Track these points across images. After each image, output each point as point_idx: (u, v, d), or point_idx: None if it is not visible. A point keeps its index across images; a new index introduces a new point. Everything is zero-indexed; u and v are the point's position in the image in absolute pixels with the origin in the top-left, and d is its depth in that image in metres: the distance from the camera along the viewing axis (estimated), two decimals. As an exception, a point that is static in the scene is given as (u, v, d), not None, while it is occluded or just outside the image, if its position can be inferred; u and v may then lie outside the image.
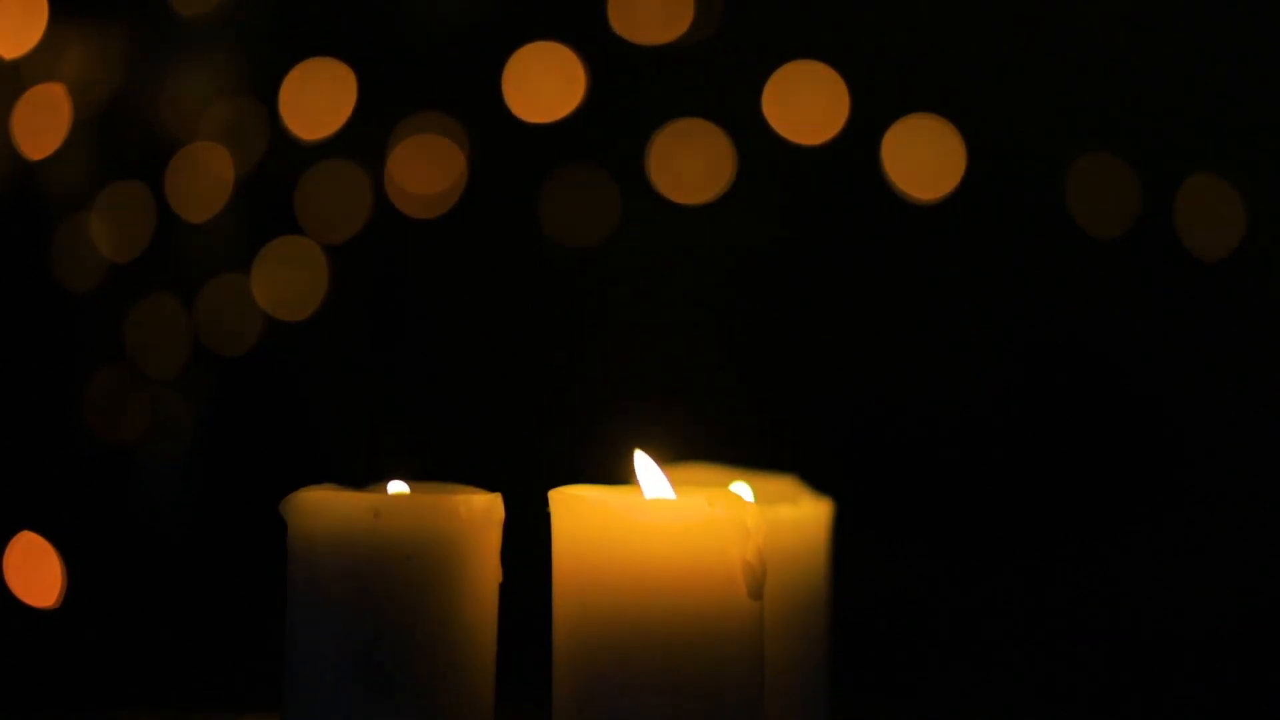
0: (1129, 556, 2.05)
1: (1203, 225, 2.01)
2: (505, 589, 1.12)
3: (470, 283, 2.13)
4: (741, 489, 1.23)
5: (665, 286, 2.11)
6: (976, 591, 2.05)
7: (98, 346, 2.06)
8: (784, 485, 1.30)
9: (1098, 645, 2.03)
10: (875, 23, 2.08)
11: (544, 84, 2.07)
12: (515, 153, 2.09)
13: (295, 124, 2.08)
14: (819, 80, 2.05)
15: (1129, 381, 2.07)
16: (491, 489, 1.13)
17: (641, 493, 1.10)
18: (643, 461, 1.11)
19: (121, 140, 2.06)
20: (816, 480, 1.32)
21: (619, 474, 1.18)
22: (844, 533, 1.31)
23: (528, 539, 1.15)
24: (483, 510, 1.11)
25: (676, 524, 1.05)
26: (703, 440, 1.69)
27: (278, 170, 2.08)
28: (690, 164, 2.07)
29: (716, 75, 2.08)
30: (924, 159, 2.03)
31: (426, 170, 2.09)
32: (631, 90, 2.09)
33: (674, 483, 1.11)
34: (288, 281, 2.09)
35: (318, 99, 2.08)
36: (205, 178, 2.07)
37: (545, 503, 1.09)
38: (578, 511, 1.07)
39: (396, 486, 1.13)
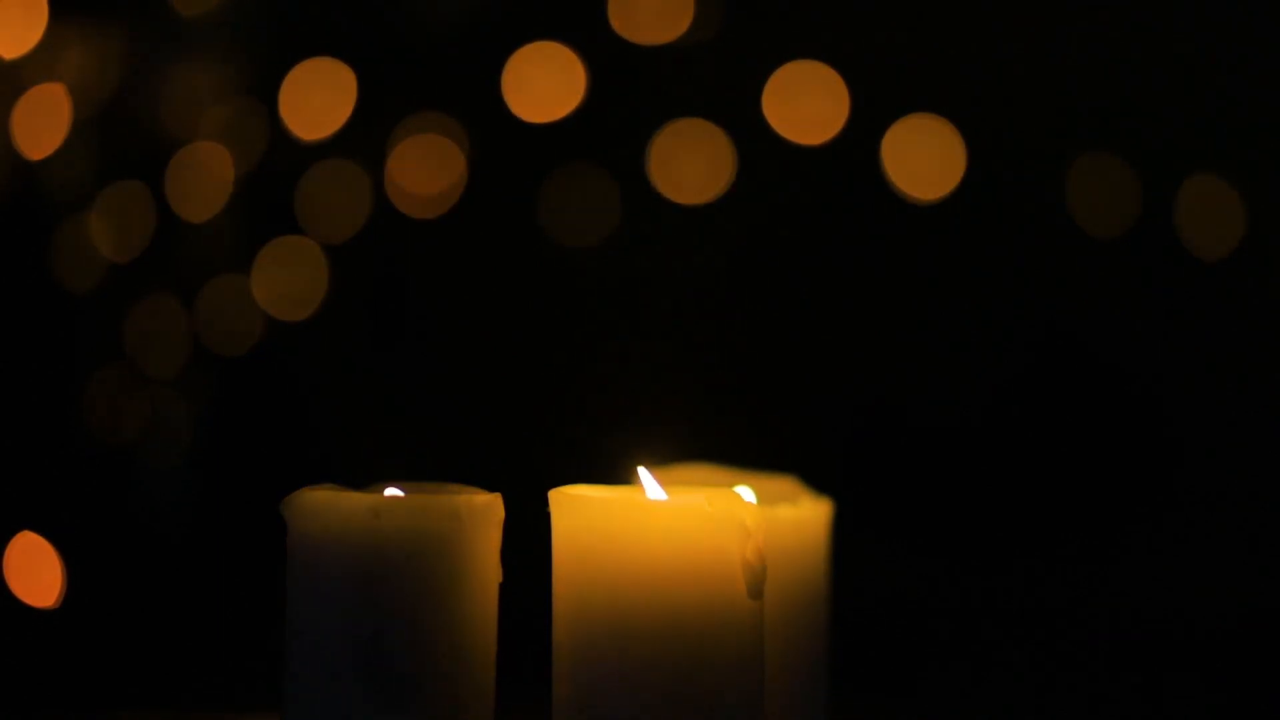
0: (1129, 556, 2.05)
1: (1203, 225, 2.01)
2: (505, 589, 1.12)
3: (470, 283, 2.13)
4: (741, 489, 1.23)
5: (665, 286, 2.11)
6: (976, 591, 2.05)
7: (98, 346, 2.06)
8: (784, 485, 1.30)
9: (1098, 645, 2.03)
10: (875, 23, 2.08)
11: (544, 84, 2.07)
12: (515, 153, 2.09)
13: (295, 124, 2.08)
14: (819, 80, 2.05)
15: (1129, 381, 2.07)
16: (491, 489, 1.13)
17: (642, 492, 1.10)
18: (646, 478, 1.11)
19: (121, 140, 2.06)
20: (816, 480, 1.32)
21: (619, 474, 1.18)
22: (844, 533, 1.31)
23: (528, 539, 1.15)
24: (483, 510, 1.11)
25: (676, 524, 1.05)
26: (702, 440, 1.69)
27: (278, 170, 2.08)
28: (690, 164, 2.07)
29: (716, 75, 2.08)
30: (924, 159, 2.03)
31: (426, 170, 2.09)
32: (631, 90, 2.09)
33: (674, 484, 1.11)
34: (288, 281, 2.09)
35: (318, 99, 2.08)
36: (205, 178, 2.07)
37: (545, 503, 1.09)
38: (578, 511, 1.07)
39: (395, 491, 1.13)
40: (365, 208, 2.09)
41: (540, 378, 2.11)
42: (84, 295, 2.05)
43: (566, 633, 1.07)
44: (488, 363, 2.12)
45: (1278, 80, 2.04)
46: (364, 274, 2.11)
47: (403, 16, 2.10)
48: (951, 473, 2.09)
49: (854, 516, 1.43)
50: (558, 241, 2.10)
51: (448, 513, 1.09)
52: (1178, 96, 2.04)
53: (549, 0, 2.11)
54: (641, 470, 1.12)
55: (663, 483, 1.11)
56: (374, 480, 1.15)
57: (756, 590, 1.06)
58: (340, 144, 2.08)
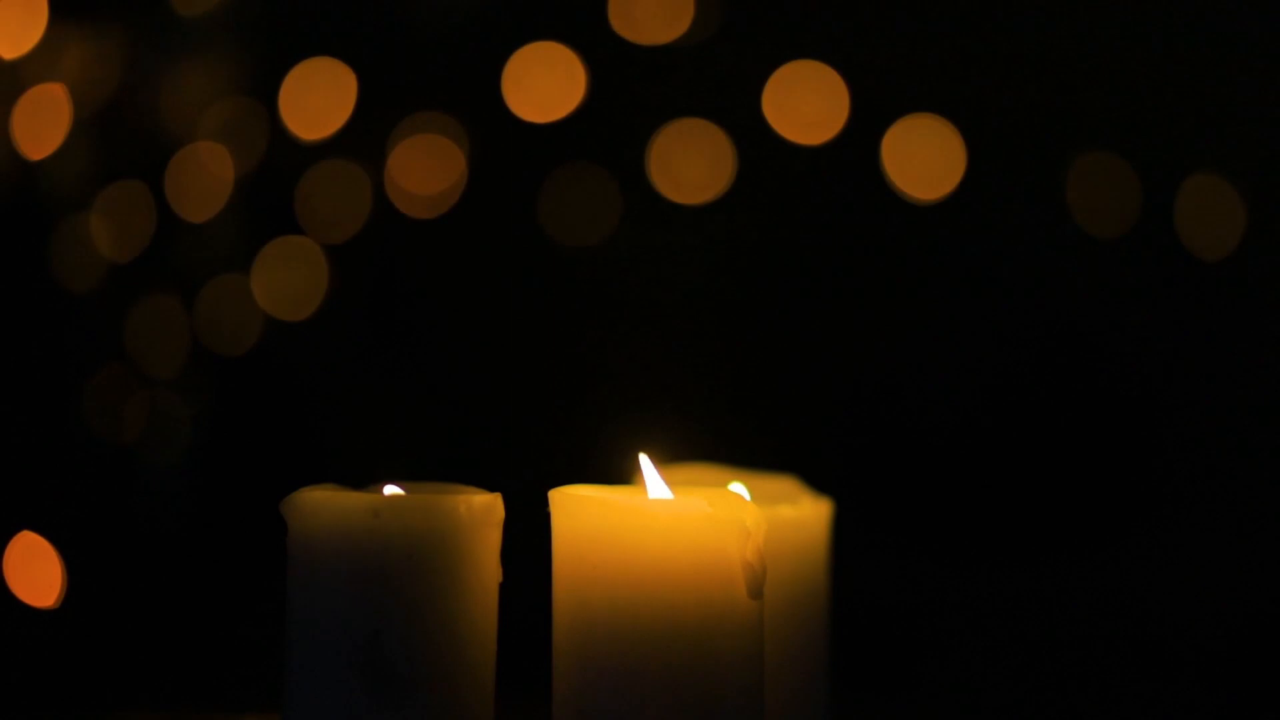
0: (1129, 556, 2.05)
1: (1203, 225, 2.01)
2: (505, 589, 1.12)
3: (470, 283, 2.13)
4: (736, 487, 1.23)
5: (665, 286, 2.11)
6: (977, 591, 2.05)
7: (98, 346, 2.06)
8: (784, 485, 1.30)
9: (1098, 645, 2.03)
10: (875, 23, 2.08)
11: (544, 84, 2.07)
12: (515, 153, 2.09)
13: (295, 124, 2.08)
14: (819, 80, 2.05)
15: (1129, 381, 2.07)
16: (491, 489, 1.13)
17: (642, 492, 1.11)
18: (647, 466, 1.11)
19: (121, 140, 2.06)
20: (816, 480, 1.32)
21: (619, 473, 1.18)
22: (844, 533, 1.31)
23: (528, 539, 1.15)
24: (483, 510, 1.11)
25: (676, 524, 1.05)
26: (702, 440, 1.69)
27: (278, 170, 2.08)
28: (690, 164, 2.07)
29: (716, 75, 2.08)
30: (924, 159, 2.03)
31: (426, 170, 2.09)
32: (631, 90, 2.09)
33: (674, 483, 1.11)
34: (288, 281, 2.09)
35: (318, 99, 2.08)
36: (205, 178, 2.07)
37: (545, 503, 1.09)
38: (578, 511, 1.07)
39: (395, 491, 1.13)
40: (365, 208, 2.09)
41: (540, 377, 2.11)
42: (84, 295, 2.05)
43: (566, 633, 1.07)
44: (487, 363, 2.12)
45: (1278, 80, 2.04)
46: (364, 274, 2.11)
47: (403, 16, 2.10)
48: (951, 473, 2.09)
49: (854, 516, 1.43)
50: (558, 241, 2.10)
51: (448, 513, 1.09)
52: (1178, 96, 2.04)
53: (549, 0, 2.11)
54: (643, 458, 1.12)
55: (664, 479, 1.11)
56: (374, 480, 1.15)
57: (756, 590, 1.06)
58: (340, 144, 2.08)
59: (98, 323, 2.06)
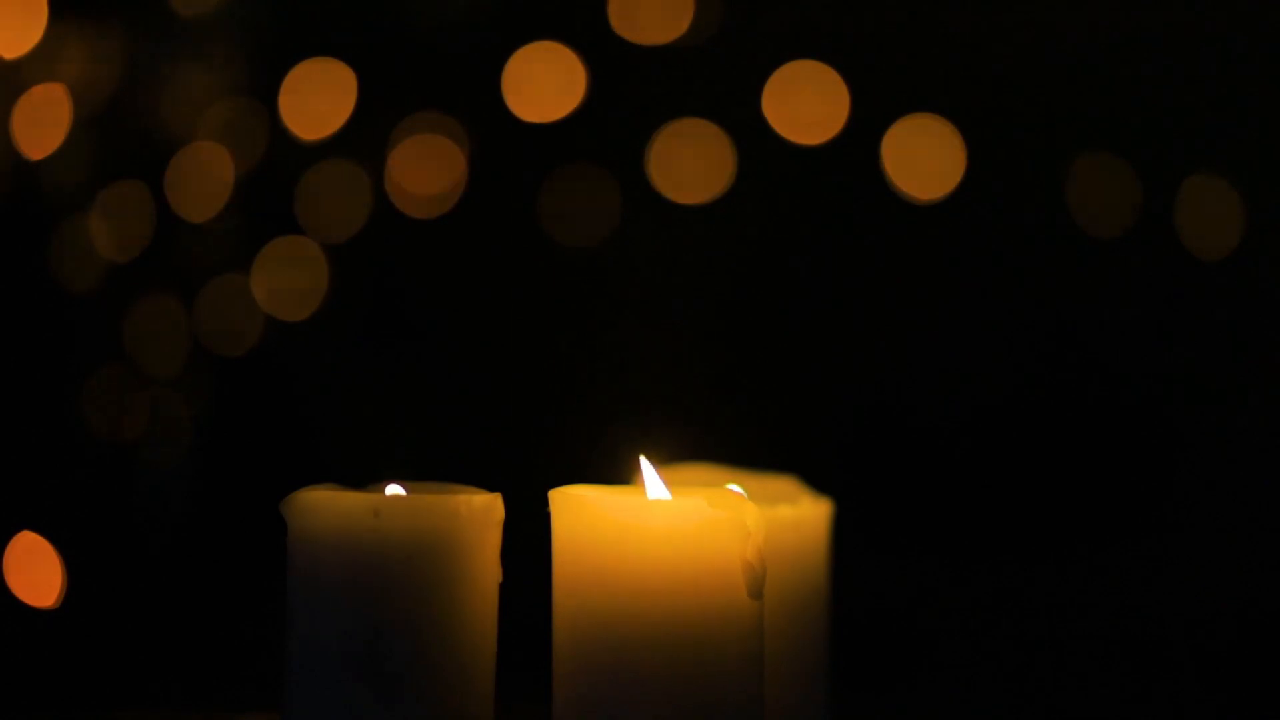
0: (1128, 556, 2.05)
1: (1203, 225, 2.01)
2: (505, 589, 1.12)
3: (470, 283, 2.13)
4: (731, 487, 1.23)
5: (665, 286, 2.11)
6: (977, 592, 2.05)
7: (98, 346, 2.06)
8: (784, 485, 1.30)
9: (1097, 645, 2.03)
10: (875, 23, 2.08)
11: (544, 84, 2.07)
12: (515, 153, 2.09)
13: (295, 124, 2.08)
14: (819, 80, 2.05)
15: (1129, 381, 2.07)
16: (491, 489, 1.13)
17: (642, 492, 1.11)
18: (647, 468, 1.11)
19: (121, 140, 2.06)
20: (816, 480, 1.32)
21: (619, 473, 1.18)
22: (844, 533, 1.31)
23: (528, 539, 1.15)
24: (483, 510, 1.11)
25: (676, 524, 1.05)
26: (702, 440, 1.69)
27: (278, 170, 2.08)
28: (690, 164, 2.07)
29: (716, 75, 2.08)
30: (924, 159, 2.03)
31: (426, 170, 2.09)
32: (631, 90, 2.09)
33: (674, 484, 1.11)
34: (288, 281, 2.09)
35: (318, 99, 2.08)
36: (205, 178, 2.07)
37: (545, 503, 1.09)
38: (578, 511, 1.07)
39: (395, 490, 1.13)
40: (365, 208, 2.09)
41: (540, 377, 2.11)
42: (84, 295, 2.05)
43: (566, 633, 1.07)
44: (488, 362, 2.12)
45: (1278, 80, 2.04)
46: (364, 274, 2.11)
47: (403, 16, 2.10)
48: (951, 473, 2.08)
49: (854, 516, 1.43)
50: (558, 241, 2.10)
51: (448, 513, 1.09)
52: (1178, 96, 2.04)
53: (549, 0, 2.11)
54: (643, 461, 1.12)
55: (663, 480, 1.11)
56: (374, 480, 1.15)
57: (756, 590, 1.06)
58: (340, 144, 2.08)
59: (98, 323, 2.06)
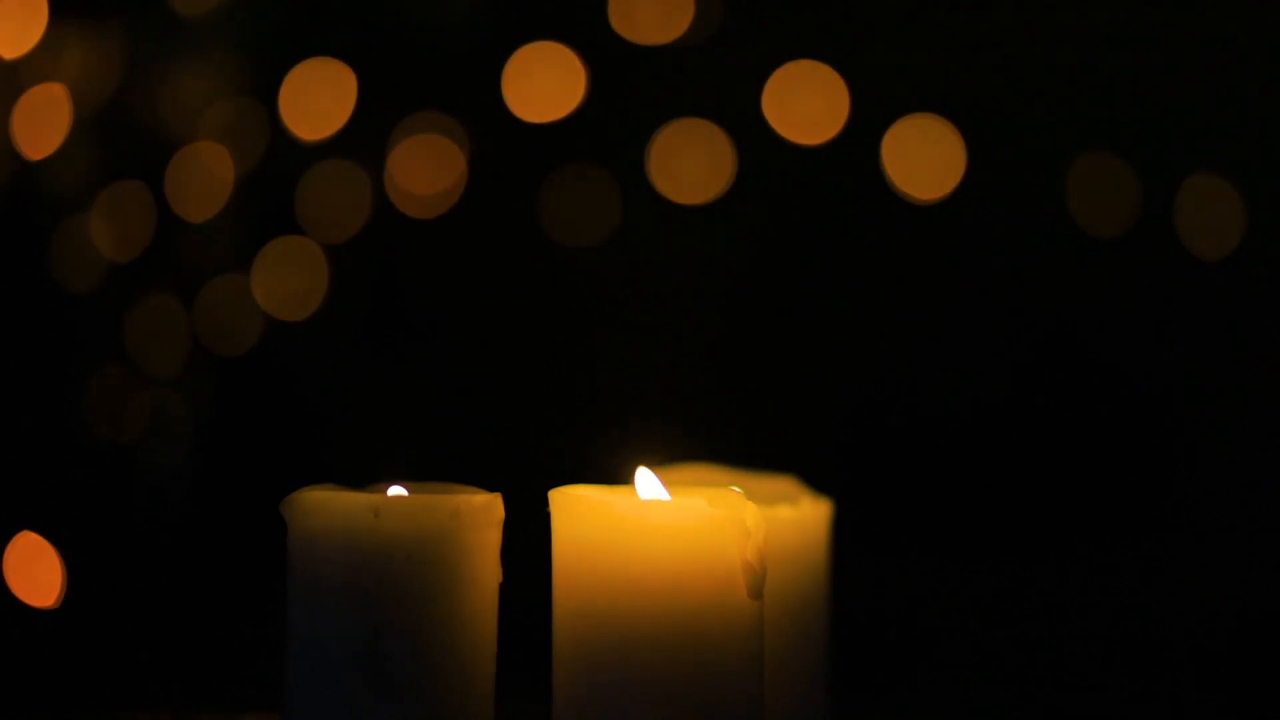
0: (1128, 555, 2.05)
1: (1203, 225, 2.01)
2: (505, 589, 1.12)
3: (470, 283, 2.13)
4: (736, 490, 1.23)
5: (665, 286, 2.11)
6: (977, 592, 2.05)
7: (98, 346, 2.06)
8: (784, 485, 1.30)
9: (1098, 644, 2.03)
10: (875, 23, 2.08)
11: (544, 84, 2.07)
12: (515, 153, 2.09)
13: (295, 124, 2.08)
14: (819, 80, 2.05)
15: (1129, 381, 2.07)
16: (491, 489, 1.13)
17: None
18: (648, 478, 1.11)
19: (121, 140, 2.06)
20: (816, 480, 1.32)
21: (619, 473, 1.18)
22: (844, 533, 1.31)
23: (528, 539, 1.15)
24: (483, 510, 1.11)
25: (676, 524, 1.05)
26: (702, 439, 1.69)
27: (278, 170, 2.08)
28: (690, 164, 2.07)
29: (716, 75, 2.08)
30: (924, 159, 2.03)
31: (426, 170, 2.09)
32: (631, 90, 2.09)
33: (673, 484, 1.11)
34: (288, 281, 2.09)
35: (318, 99, 2.08)
36: (205, 178, 2.07)
37: (545, 503, 1.09)
38: (578, 511, 1.07)
39: (396, 491, 1.13)
40: (365, 208, 2.09)
41: (540, 377, 2.11)
42: (84, 295, 2.05)
43: (567, 633, 1.07)
44: (488, 362, 2.12)
45: (1277, 80, 2.04)
46: (364, 274, 2.11)
47: (403, 16, 2.10)
48: (951, 473, 2.09)
49: (854, 516, 1.43)
50: (558, 241, 2.10)
51: (448, 513, 1.09)
52: (1178, 96, 2.04)
53: (549, 0, 2.11)
54: (642, 471, 1.12)
55: (663, 483, 1.11)
56: (374, 480, 1.15)
57: (756, 590, 1.06)
58: (340, 144, 2.08)
59: (98, 323, 2.06)
